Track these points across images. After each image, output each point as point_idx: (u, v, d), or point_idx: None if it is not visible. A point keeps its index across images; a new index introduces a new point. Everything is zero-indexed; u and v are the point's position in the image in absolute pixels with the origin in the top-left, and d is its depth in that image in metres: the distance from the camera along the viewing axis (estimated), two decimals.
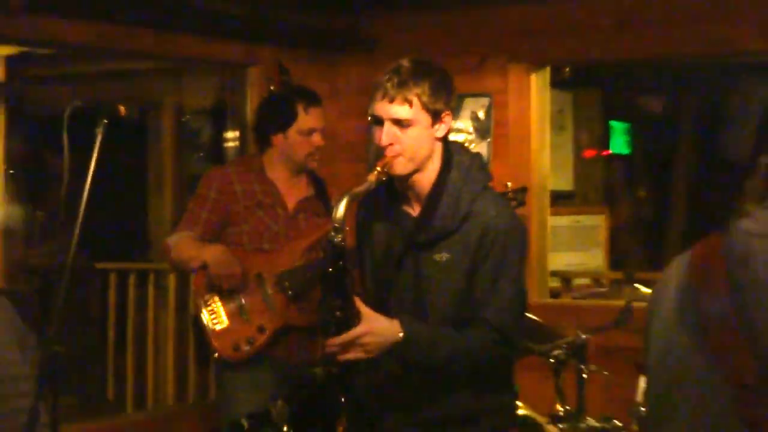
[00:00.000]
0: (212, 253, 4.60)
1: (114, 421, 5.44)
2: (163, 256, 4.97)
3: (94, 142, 3.10)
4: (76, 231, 3.03)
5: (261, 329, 4.60)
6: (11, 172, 5.61)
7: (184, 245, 4.70)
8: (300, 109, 4.71)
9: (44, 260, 5.96)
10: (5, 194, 5.15)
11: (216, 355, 4.67)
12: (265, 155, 4.81)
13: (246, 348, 4.60)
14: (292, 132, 4.70)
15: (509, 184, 4.97)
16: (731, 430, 2.09)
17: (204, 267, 4.61)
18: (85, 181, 3.05)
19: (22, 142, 5.85)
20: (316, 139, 4.74)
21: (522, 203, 4.83)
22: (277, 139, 4.72)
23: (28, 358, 3.62)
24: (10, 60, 5.56)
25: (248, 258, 4.64)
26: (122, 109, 3.22)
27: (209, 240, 4.69)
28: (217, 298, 4.64)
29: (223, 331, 4.63)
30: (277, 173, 4.78)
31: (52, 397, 3.07)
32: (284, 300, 4.61)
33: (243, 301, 4.64)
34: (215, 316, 4.64)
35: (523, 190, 4.95)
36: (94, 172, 3.08)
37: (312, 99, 4.78)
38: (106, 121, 3.13)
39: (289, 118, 4.71)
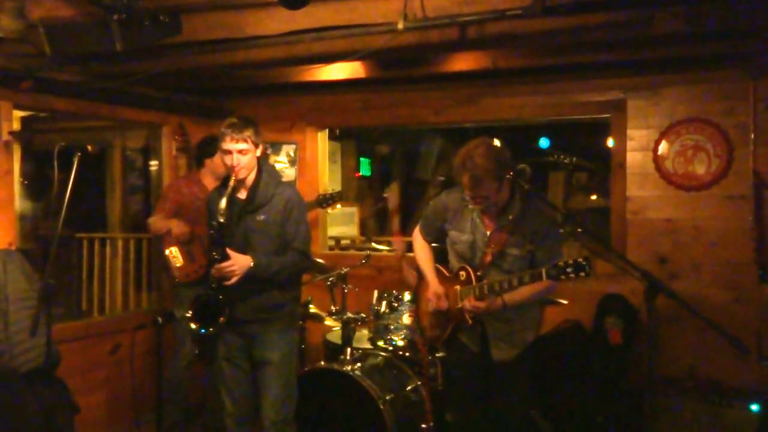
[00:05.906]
0: (174, 223, 4.53)
1: (86, 322, 5.27)
2: (148, 229, 4.79)
3: (73, 166, 3.09)
4: (62, 214, 3.02)
5: (201, 266, 4.40)
6: (25, 182, 5.37)
7: (158, 222, 4.61)
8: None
9: (45, 231, 5.73)
10: (21, 194, 4.93)
11: (176, 279, 4.57)
12: (200, 172, 4.75)
13: (193, 276, 4.51)
14: (216, 158, 4.51)
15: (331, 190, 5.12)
16: None
17: (169, 231, 4.54)
18: (67, 187, 3.04)
19: (30, 165, 5.60)
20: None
21: (339, 199, 5.08)
22: (207, 162, 4.70)
23: (33, 287, 3.56)
24: (23, 118, 5.34)
25: (192, 227, 4.55)
26: (90, 147, 3.18)
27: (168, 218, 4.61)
28: (176, 249, 4.55)
29: (181, 266, 4.53)
30: (207, 181, 4.68)
31: (47, 308, 3.04)
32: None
33: (190, 251, 4.56)
34: (176, 258, 4.54)
35: (339, 193, 5.13)
36: (73, 183, 3.07)
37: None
38: (80, 154, 3.10)
39: (213, 152, 4.58)
